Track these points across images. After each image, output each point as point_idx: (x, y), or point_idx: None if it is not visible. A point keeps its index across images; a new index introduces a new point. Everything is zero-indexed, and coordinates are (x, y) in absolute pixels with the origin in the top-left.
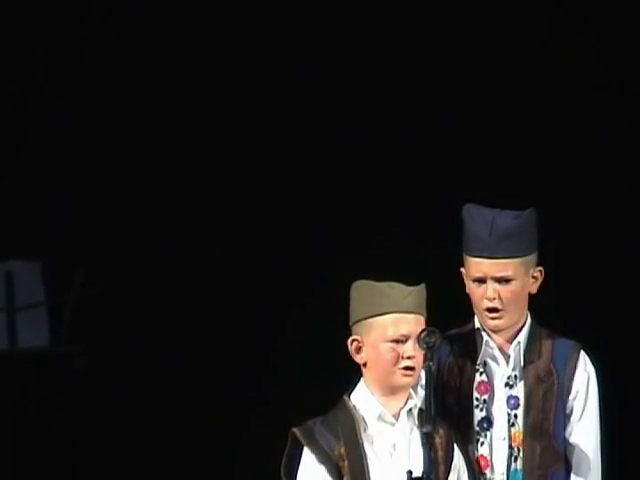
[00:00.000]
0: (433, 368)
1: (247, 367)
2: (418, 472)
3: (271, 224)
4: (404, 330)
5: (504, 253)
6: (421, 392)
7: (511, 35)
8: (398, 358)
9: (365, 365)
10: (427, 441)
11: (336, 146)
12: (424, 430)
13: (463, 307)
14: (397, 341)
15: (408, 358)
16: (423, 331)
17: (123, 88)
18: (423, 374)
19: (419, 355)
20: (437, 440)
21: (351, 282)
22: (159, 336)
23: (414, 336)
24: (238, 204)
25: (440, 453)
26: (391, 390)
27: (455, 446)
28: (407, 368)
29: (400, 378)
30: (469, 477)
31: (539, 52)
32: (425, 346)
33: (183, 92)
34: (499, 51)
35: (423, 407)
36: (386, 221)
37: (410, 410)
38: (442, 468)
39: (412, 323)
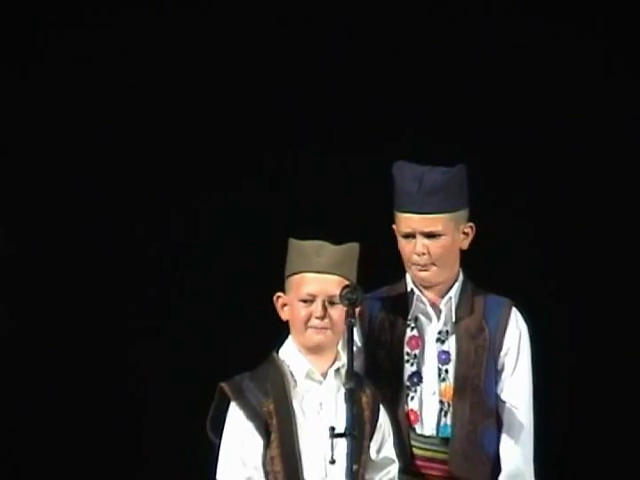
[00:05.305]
0: (355, 324)
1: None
2: (342, 429)
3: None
4: (311, 289)
5: (432, 208)
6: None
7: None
8: (309, 317)
9: (288, 322)
10: (350, 397)
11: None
12: (346, 386)
13: (397, 265)
14: (307, 300)
15: (316, 318)
16: (345, 287)
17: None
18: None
19: (339, 314)
20: (364, 399)
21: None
22: (79, 300)
23: (324, 296)
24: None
25: (367, 413)
26: (308, 349)
27: (381, 406)
28: (315, 328)
29: (310, 337)
30: (395, 434)
31: None
32: (347, 302)
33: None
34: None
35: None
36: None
37: (338, 369)
38: (368, 427)
39: (321, 283)
